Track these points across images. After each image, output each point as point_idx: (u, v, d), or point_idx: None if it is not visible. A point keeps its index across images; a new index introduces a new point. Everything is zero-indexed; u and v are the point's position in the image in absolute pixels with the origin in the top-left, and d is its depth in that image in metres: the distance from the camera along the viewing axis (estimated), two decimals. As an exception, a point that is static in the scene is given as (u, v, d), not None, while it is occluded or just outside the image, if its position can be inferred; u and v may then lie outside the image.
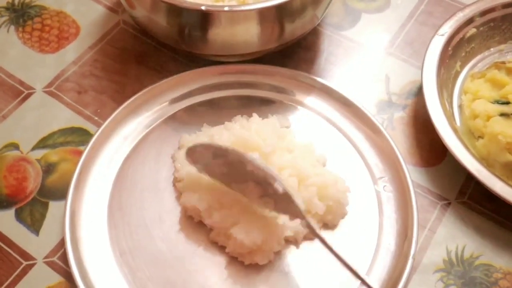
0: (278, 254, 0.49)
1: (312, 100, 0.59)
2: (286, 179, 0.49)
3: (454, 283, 0.49)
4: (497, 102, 0.56)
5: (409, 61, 0.64)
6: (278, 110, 0.58)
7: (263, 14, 0.55)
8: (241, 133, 0.52)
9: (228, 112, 0.58)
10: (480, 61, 0.63)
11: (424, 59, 0.58)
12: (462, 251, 0.51)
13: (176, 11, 0.55)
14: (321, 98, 0.59)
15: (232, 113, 0.57)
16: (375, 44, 0.66)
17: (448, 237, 0.51)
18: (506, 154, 0.52)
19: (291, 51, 0.64)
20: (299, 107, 0.59)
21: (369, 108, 0.60)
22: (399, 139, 0.58)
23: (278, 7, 0.55)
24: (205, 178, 0.51)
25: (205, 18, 0.55)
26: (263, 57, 0.61)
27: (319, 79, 0.59)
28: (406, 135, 0.59)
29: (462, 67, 0.62)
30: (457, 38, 0.60)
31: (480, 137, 0.55)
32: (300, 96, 0.59)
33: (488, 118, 0.54)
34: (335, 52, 0.65)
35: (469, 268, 0.50)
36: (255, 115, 0.55)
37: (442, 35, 0.59)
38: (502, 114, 0.54)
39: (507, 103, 0.55)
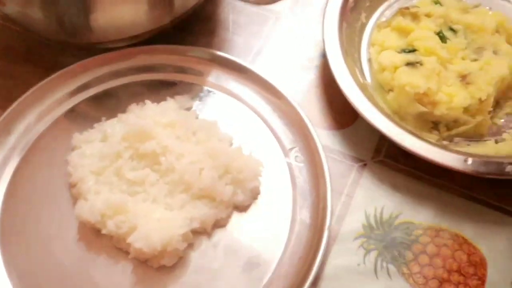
0: (190, 247, 0.46)
1: (214, 76, 0.55)
2: (187, 167, 0.46)
3: (375, 247, 0.47)
4: (404, 51, 0.53)
5: (317, 19, 0.60)
6: (179, 91, 0.54)
7: (146, -13, 0.50)
8: (135, 123, 0.48)
9: (128, 100, 0.53)
10: (387, 9, 0.60)
11: (323, 16, 0.54)
12: (381, 213, 0.49)
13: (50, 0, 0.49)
14: (223, 72, 0.55)
15: (131, 101, 0.53)
16: (282, 4, 0.62)
17: (366, 200, 0.49)
18: (416, 105, 0.50)
19: (189, 24, 0.60)
20: (201, 85, 0.55)
21: (281, 75, 0.56)
22: (313, 103, 0.55)
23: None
24: (100, 179, 0.47)
25: (82, 2, 0.49)
26: (159, 36, 0.56)
27: (218, 52, 0.55)
28: (318, 98, 0.56)
29: (367, 18, 0.58)
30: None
31: (391, 90, 0.52)
32: (200, 73, 0.55)
33: (395, 69, 0.51)
34: (239, 21, 0.61)
35: (389, 229, 0.48)
36: (148, 102, 0.51)
37: None
38: (408, 64, 0.51)
39: (414, 50, 0.52)
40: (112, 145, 0.48)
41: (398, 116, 0.51)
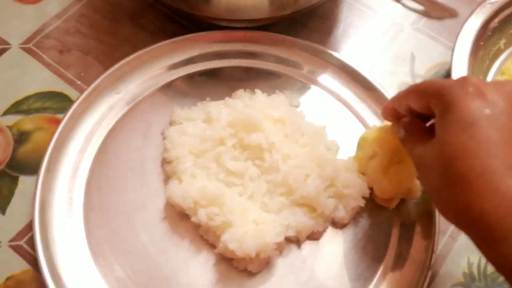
0: (279, 253, 0.43)
1: (325, 77, 0.52)
2: (292, 170, 0.43)
3: (474, 300, 0.43)
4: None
5: (438, 39, 0.56)
6: (285, 86, 0.51)
7: (277, -26, 0.48)
8: (244, 111, 0.45)
9: (230, 84, 0.51)
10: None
11: (458, 34, 0.50)
12: (486, 264, 0.44)
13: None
14: (335, 75, 0.52)
15: (234, 86, 0.50)
16: (401, 17, 0.58)
17: (471, 246, 0.45)
18: None
19: (306, 19, 0.56)
20: (309, 84, 0.52)
21: (390, 90, 0.53)
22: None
23: (295, -33, 0.47)
24: (198, 161, 0.44)
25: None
26: (273, 24, 0.53)
27: (334, 54, 0.52)
28: (430, 124, 0.52)
29: (507, 45, 0.54)
30: (508, 11, 0.51)
31: None
32: (311, 72, 0.52)
33: None
34: (354, 23, 0.57)
35: (492, 285, 0.44)
36: (258, 91, 0.48)
37: (492, 3, 0.51)
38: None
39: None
40: (216, 129, 0.45)
41: None
